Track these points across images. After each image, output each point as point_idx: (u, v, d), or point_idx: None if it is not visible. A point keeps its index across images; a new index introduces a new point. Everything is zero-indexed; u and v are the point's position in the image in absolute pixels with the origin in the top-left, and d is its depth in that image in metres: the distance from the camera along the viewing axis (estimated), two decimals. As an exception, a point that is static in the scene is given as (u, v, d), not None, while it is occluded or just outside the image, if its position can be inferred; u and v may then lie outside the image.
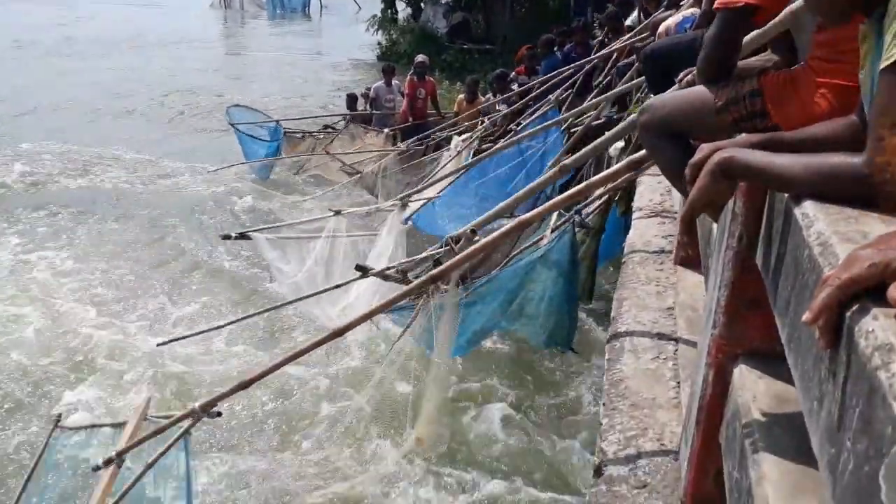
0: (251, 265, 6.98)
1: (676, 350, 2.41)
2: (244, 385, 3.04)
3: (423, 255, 3.38)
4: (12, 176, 9.75)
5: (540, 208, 3.13)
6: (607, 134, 3.63)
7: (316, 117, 11.16)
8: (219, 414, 3.02)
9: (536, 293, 3.41)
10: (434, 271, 3.14)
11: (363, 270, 3.43)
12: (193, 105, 14.54)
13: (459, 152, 6.98)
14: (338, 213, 5.22)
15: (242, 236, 5.33)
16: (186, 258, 7.36)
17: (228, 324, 4.28)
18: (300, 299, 3.79)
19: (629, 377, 2.27)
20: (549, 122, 6.13)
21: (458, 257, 3.10)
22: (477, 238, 3.23)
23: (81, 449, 3.08)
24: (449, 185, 6.18)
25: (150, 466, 2.83)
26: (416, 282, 3.20)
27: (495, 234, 3.16)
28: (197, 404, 2.97)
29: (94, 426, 3.32)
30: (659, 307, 2.80)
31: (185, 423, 2.91)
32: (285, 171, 9.80)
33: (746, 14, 1.78)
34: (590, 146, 3.67)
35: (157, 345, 4.41)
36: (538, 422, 4.72)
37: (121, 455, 2.86)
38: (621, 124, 3.66)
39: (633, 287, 2.99)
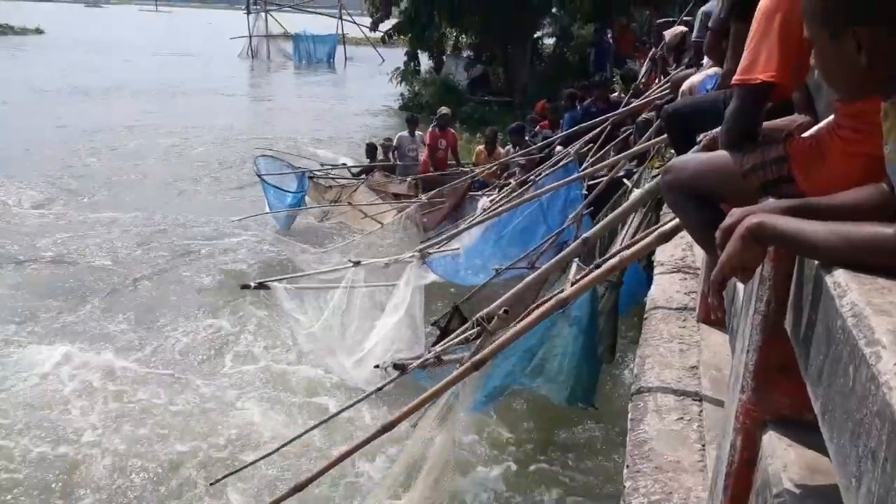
0: (273, 314, 6.81)
1: (701, 411, 2.37)
2: (300, 487, 3.07)
3: (456, 338, 3.36)
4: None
5: (581, 283, 3.09)
6: (629, 200, 3.68)
7: (341, 167, 11.28)
8: None
9: (557, 350, 3.38)
10: (474, 359, 3.12)
11: (402, 368, 3.40)
12: (219, 153, 14.69)
13: (486, 211, 7.03)
14: (357, 263, 5.27)
15: (261, 286, 5.39)
16: (209, 311, 7.19)
17: (281, 447, 3.83)
18: (347, 408, 3.65)
19: (653, 438, 2.23)
20: (571, 178, 6.18)
21: (495, 344, 3.11)
22: (507, 315, 3.20)
23: None
24: (465, 229, 6.25)
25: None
26: (455, 374, 3.20)
27: (532, 316, 3.13)
28: None
29: None
30: (682, 365, 2.76)
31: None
32: (308, 219, 9.82)
33: (764, 90, 1.80)
34: (611, 215, 3.71)
35: (210, 484, 4.07)
36: (555, 481, 4.60)
37: None
38: (639, 192, 3.70)
39: (655, 344, 2.96)
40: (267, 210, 9.54)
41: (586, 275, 3.10)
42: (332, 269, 5.67)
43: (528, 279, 3.34)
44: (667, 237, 2.77)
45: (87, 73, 25.14)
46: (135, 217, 10.31)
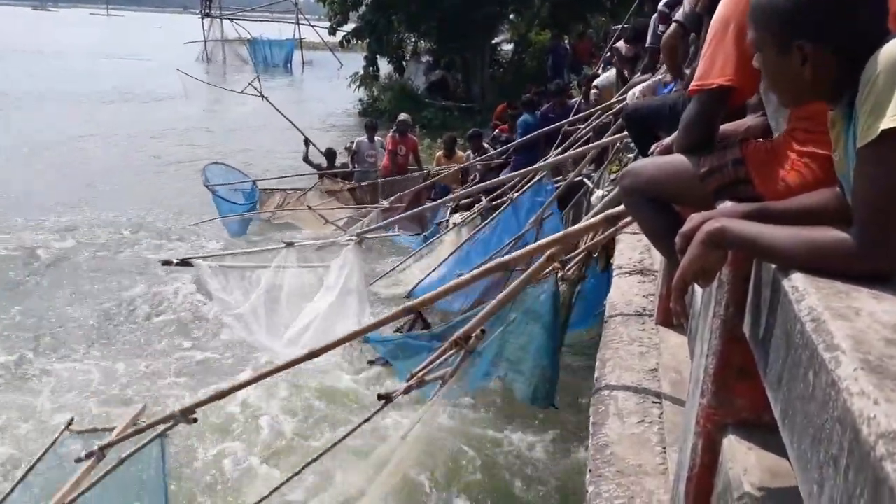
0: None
1: (662, 414, 2.38)
2: (221, 395, 3.18)
3: (437, 360, 3.30)
4: None
5: (520, 252, 3.17)
6: (595, 208, 3.75)
7: (294, 176, 11.01)
8: (195, 420, 3.14)
9: (522, 345, 3.42)
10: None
11: (386, 398, 3.26)
12: (170, 160, 14.28)
13: (459, 227, 7.07)
14: (290, 244, 5.09)
15: (184, 263, 5.09)
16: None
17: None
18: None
19: (615, 442, 2.23)
20: (539, 176, 6.35)
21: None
22: (484, 334, 3.25)
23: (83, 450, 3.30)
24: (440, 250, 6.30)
25: (123, 460, 3.07)
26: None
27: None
28: (178, 409, 3.13)
29: (95, 430, 3.62)
30: (642, 368, 2.77)
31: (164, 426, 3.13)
32: (261, 226, 9.54)
33: (722, 95, 1.81)
34: (577, 226, 3.79)
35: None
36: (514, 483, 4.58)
37: (102, 449, 3.12)
38: (602, 203, 3.77)
39: (615, 347, 2.97)
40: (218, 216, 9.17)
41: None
42: (263, 250, 5.44)
43: (494, 302, 3.33)
44: (613, 220, 2.83)
45: (44, 79, 24.37)
46: (76, 228, 9.87)
